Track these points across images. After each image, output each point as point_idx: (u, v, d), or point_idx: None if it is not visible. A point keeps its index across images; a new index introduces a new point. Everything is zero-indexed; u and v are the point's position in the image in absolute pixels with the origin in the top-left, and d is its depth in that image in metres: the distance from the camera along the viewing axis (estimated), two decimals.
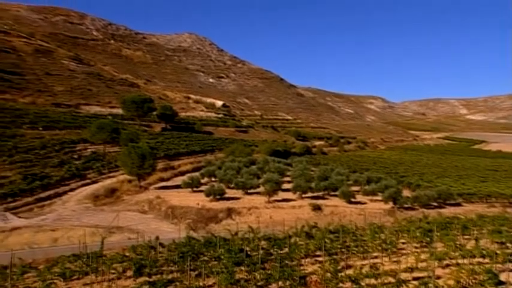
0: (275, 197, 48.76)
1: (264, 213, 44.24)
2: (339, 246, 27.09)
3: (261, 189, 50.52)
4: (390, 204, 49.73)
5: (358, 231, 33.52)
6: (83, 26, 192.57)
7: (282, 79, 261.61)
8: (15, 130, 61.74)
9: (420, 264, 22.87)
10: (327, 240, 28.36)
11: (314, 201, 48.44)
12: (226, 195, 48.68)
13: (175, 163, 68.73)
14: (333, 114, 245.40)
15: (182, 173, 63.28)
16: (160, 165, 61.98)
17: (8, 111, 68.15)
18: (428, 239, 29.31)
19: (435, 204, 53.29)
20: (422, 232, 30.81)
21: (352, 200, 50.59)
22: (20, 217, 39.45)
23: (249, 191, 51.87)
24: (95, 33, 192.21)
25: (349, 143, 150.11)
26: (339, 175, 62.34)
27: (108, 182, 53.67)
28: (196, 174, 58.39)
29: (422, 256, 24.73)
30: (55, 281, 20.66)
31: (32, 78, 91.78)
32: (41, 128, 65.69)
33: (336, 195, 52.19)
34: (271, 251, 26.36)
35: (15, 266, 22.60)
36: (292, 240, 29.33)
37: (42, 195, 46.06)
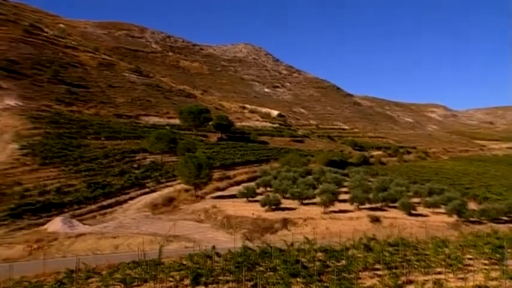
0: (332, 208, 47.82)
1: (320, 224, 43.47)
2: (399, 259, 25.97)
3: (317, 199, 49.76)
4: (454, 218, 47.29)
5: (419, 244, 32.02)
6: (143, 39, 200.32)
7: (338, 88, 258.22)
8: (80, 140, 64.92)
9: (490, 283, 21.38)
10: (386, 253, 27.29)
11: (372, 212, 47.00)
12: (282, 206, 48.32)
13: (231, 173, 69.29)
14: (392, 124, 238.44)
15: (238, 183, 63.62)
16: (216, 174, 62.71)
17: (74, 122, 71.84)
18: (499, 256, 27.39)
19: (505, 218, 50.08)
20: (492, 248, 28.87)
21: (413, 212, 48.64)
22: (84, 224, 41.22)
23: (304, 202, 51.26)
24: (154, 45, 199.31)
25: (408, 153, 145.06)
26: (398, 186, 60.29)
27: (166, 191, 54.95)
28: (252, 184, 58.49)
29: (493, 274, 23.10)
30: (116, 286, 21.27)
31: (96, 91, 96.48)
32: (103, 138, 68.60)
33: (395, 207, 50.44)
34: (328, 263, 25.70)
35: (80, 270, 23.54)
36: (350, 252, 28.47)
37: (105, 203, 47.99)
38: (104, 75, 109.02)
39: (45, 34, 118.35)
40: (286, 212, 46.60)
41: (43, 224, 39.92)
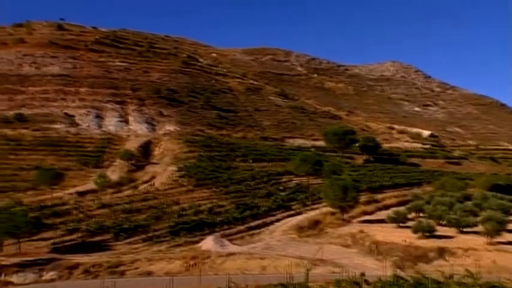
0: (498, 239, 41.90)
1: (484, 256, 38.32)
2: None
3: (479, 228, 44.20)
4: None
5: None
6: (288, 63, 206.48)
7: (502, 104, 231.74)
8: (229, 163, 68.73)
9: None
10: None
11: None
12: (437, 233, 44.05)
13: (379, 196, 65.99)
14: None
15: (386, 207, 60.27)
16: (363, 198, 60.33)
17: (224, 146, 76.61)
18: None
19: None
20: None
21: None
22: (233, 244, 42.83)
23: (463, 230, 46.04)
24: (299, 68, 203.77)
25: None
26: None
27: (311, 214, 54.52)
28: (402, 208, 54.89)
29: None
30: None
31: (243, 115, 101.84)
32: (250, 161, 71.48)
33: None
34: None
35: None
36: None
37: (252, 224, 49.58)
38: (251, 99, 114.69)
39: (199, 64, 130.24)
40: (443, 240, 42.28)
41: (197, 241, 42.63)
